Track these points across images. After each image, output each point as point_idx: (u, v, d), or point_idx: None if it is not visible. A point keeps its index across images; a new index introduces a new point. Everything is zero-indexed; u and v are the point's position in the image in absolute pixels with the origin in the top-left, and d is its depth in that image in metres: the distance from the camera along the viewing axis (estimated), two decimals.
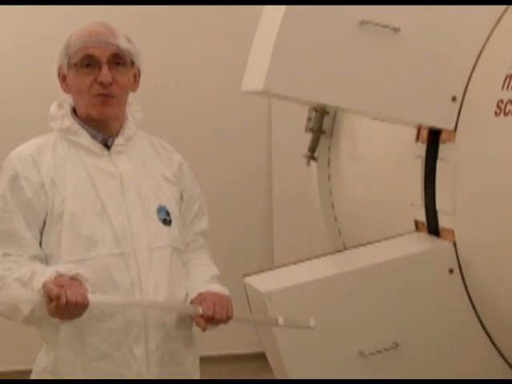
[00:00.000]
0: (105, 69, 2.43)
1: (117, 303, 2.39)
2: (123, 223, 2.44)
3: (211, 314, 2.42)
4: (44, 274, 2.29)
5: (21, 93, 4.99)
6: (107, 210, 2.44)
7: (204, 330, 2.45)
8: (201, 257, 2.66)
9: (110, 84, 2.43)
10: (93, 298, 2.28)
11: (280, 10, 2.81)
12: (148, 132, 2.66)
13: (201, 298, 2.48)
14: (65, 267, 2.31)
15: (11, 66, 5.04)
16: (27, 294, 2.31)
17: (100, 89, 2.44)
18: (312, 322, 2.62)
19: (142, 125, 2.62)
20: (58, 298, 2.21)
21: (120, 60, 2.47)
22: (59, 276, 2.28)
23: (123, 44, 2.47)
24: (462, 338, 2.96)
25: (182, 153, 2.69)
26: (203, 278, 2.57)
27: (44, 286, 2.25)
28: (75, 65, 2.46)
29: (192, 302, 2.50)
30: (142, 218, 2.48)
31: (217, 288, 2.54)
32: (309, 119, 3.85)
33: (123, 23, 2.60)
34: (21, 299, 2.33)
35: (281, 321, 2.58)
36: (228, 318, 2.46)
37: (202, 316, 2.42)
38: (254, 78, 2.90)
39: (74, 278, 2.29)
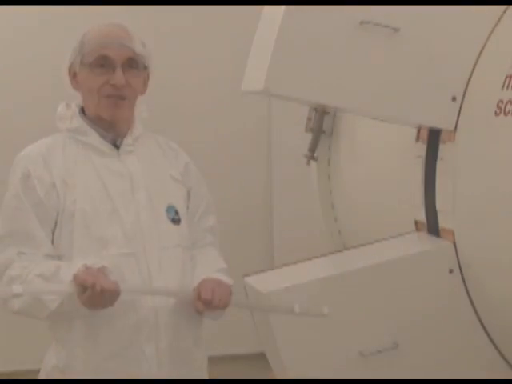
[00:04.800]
0: (119, 71, 2.44)
1: (145, 290, 2.41)
2: (134, 223, 2.45)
3: (209, 298, 2.41)
4: (71, 267, 2.31)
5: (25, 93, 4.99)
6: (118, 209, 2.45)
7: (201, 312, 2.45)
8: (209, 253, 2.65)
9: (123, 86, 2.45)
10: (124, 286, 2.31)
11: (280, 10, 2.81)
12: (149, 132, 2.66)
13: (200, 283, 2.47)
14: (91, 260, 2.33)
15: (14, 66, 5.03)
16: (57, 287, 2.31)
17: (112, 90, 2.45)
18: (325, 310, 2.63)
19: (144, 125, 2.62)
20: (93, 286, 2.23)
21: (134, 63, 2.48)
22: (87, 268, 2.30)
23: (138, 48, 2.48)
24: (462, 338, 2.96)
25: None
26: (210, 270, 2.56)
27: (75, 277, 2.26)
28: (89, 64, 2.46)
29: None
30: (152, 217, 2.49)
31: (219, 276, 2.53)
32: (309, 119, 3.85)
33: (123, 24, 2.60)
34: (51, 292, 2.33)
35: (297, 308, 2.59)
36: (224, 305, 2.45)
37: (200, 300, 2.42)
38: (254, 78, 2.90)
39: (100, 271, 2.31)
